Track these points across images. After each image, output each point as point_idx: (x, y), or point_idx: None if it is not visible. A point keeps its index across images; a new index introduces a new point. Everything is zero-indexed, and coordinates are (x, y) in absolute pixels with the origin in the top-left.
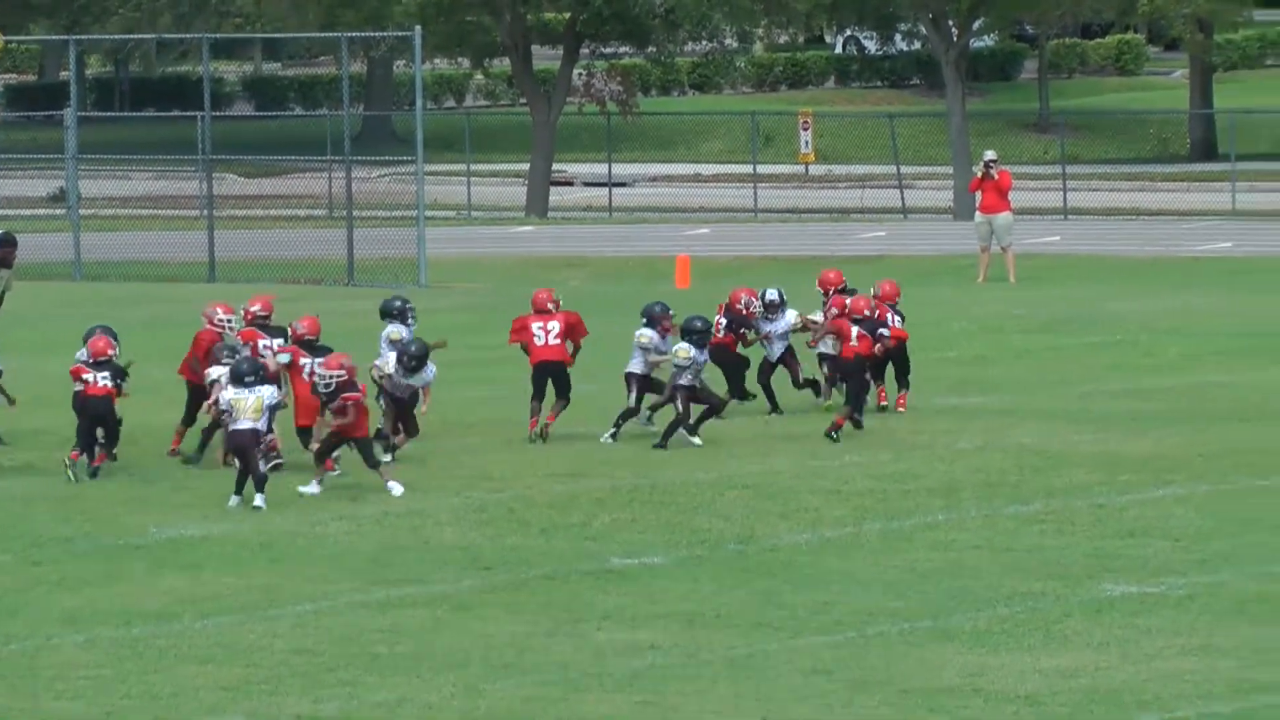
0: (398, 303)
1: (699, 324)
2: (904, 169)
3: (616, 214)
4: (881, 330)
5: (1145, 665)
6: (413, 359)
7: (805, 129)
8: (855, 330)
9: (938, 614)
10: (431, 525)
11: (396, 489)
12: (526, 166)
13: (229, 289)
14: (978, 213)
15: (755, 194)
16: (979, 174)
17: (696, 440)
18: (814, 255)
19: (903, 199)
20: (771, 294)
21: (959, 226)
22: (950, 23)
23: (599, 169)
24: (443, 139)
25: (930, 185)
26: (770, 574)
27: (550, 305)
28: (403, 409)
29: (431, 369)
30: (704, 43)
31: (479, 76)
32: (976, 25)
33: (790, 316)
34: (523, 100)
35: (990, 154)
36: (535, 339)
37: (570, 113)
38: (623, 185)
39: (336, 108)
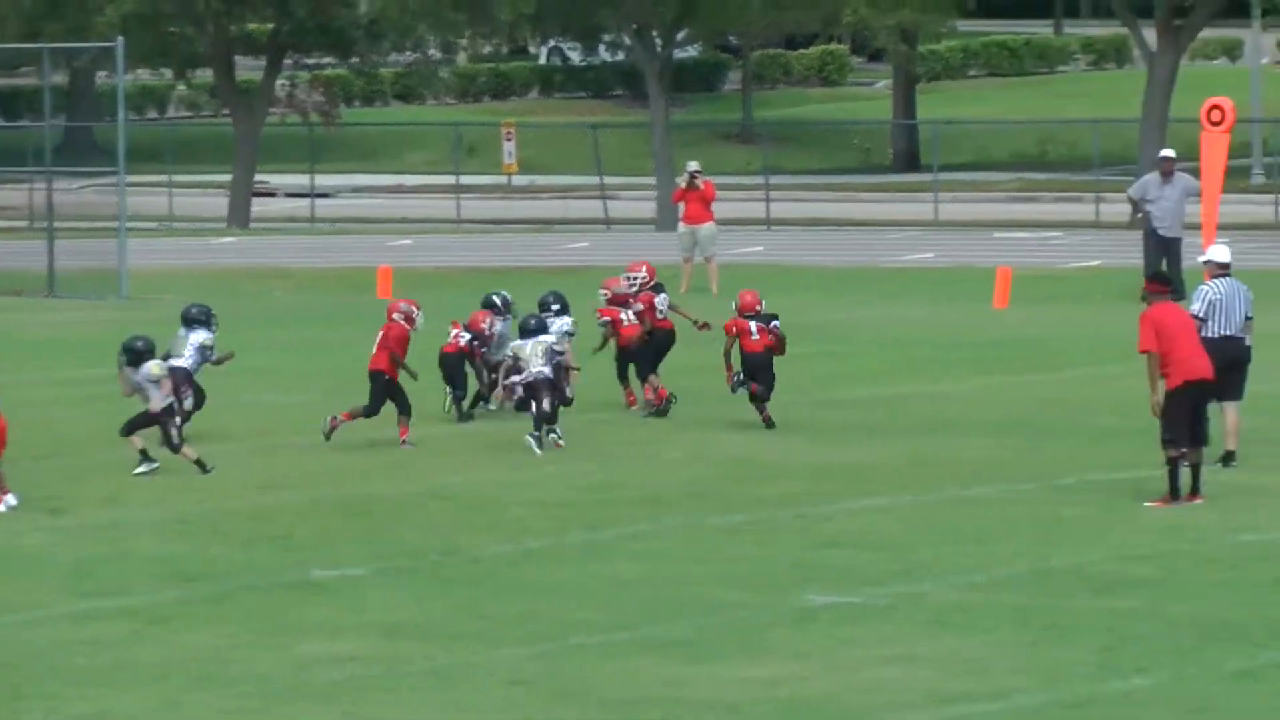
0: (195, 309)
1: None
2: (607, 180)
3: (319, 225)
4: (775, 323)
5: (847, 675)
6: (125, 350)
7: (509, 140)
8: (754, 325)
9: (639, 624)
10: (132, 537)
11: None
12: (229, 178)
13: None
14: (681, 223)
15: (458, 205)
16: (682, 184)
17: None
18: (517, 266)
19: (606, 210)
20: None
21: (662, 237)
22: (654, 34)
23: (302, 180)
24: (145, 150)
25: (634, 196)
26: (472, 585)
27: (395, 315)
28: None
29: (143, 371)
30: (407, 53)
31: (182, 88)
32: (680, 36)
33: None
34: (225, 111)
35: (693, 164)
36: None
37: (273, 124)
38: (325, 196)
39: (38, 119)
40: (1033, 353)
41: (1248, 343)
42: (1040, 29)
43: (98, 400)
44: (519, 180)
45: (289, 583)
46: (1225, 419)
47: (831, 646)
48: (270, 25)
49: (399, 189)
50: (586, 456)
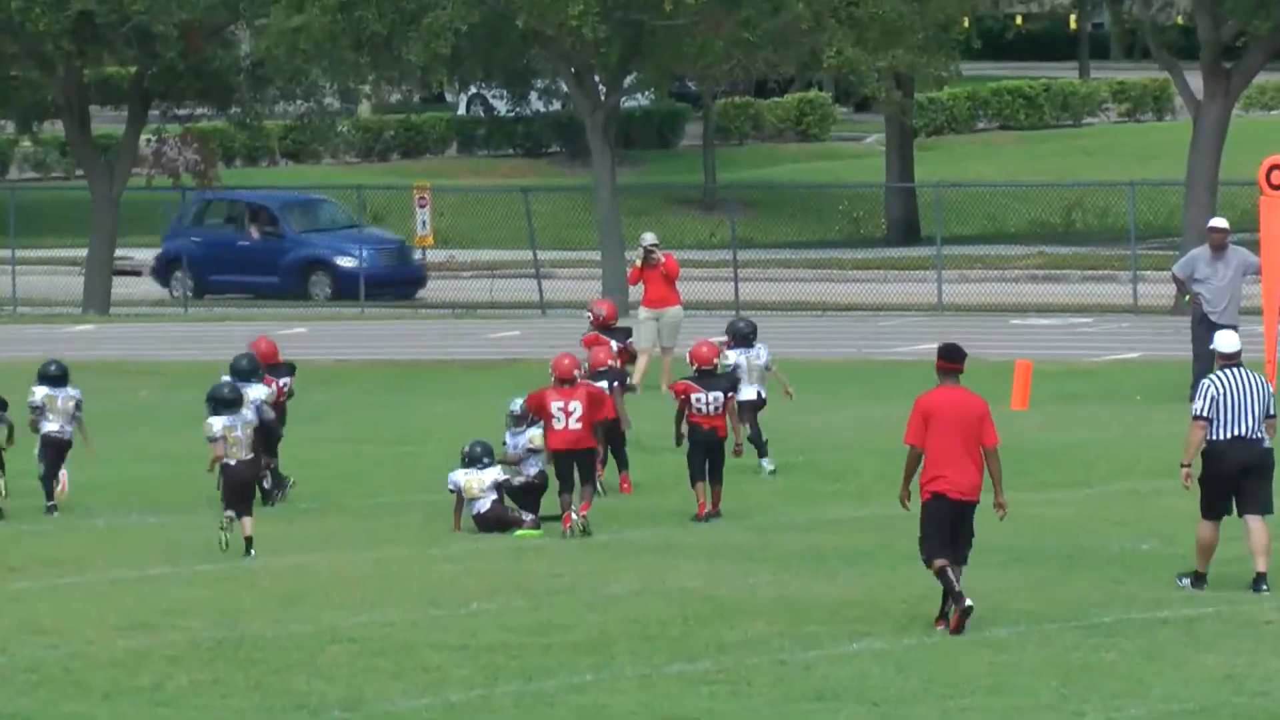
0: (245, 360)
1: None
2: (542, 254)
3: (194, 310)
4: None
5: None
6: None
7: (422, 206)
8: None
9: None
10: None
11: None
12: (84, 252)
13: None
14: (642, 308)
15: (361, 285)
16: (639, 262)
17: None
18: (432, 359)
19: (540, 290)
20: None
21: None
22: (597, 79)
23: None
24: None
25: (574, 274)
26: None
27: (576, 373)
28: None
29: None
30: (299, 103)
31: (26, 143)
32: (628, 82)
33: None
34: (79, 172)
35: (649, 237)
36: (554, 421)
37: (137, 187)
38: None
39: None
40: (1058, 463)
41: (1268, 444)
42: (1063, 73)
43: None
44: (435, 255)
45: None
46: (1250, 536)
47: None
48: (133, 69)
49: None
50: (516, 590)
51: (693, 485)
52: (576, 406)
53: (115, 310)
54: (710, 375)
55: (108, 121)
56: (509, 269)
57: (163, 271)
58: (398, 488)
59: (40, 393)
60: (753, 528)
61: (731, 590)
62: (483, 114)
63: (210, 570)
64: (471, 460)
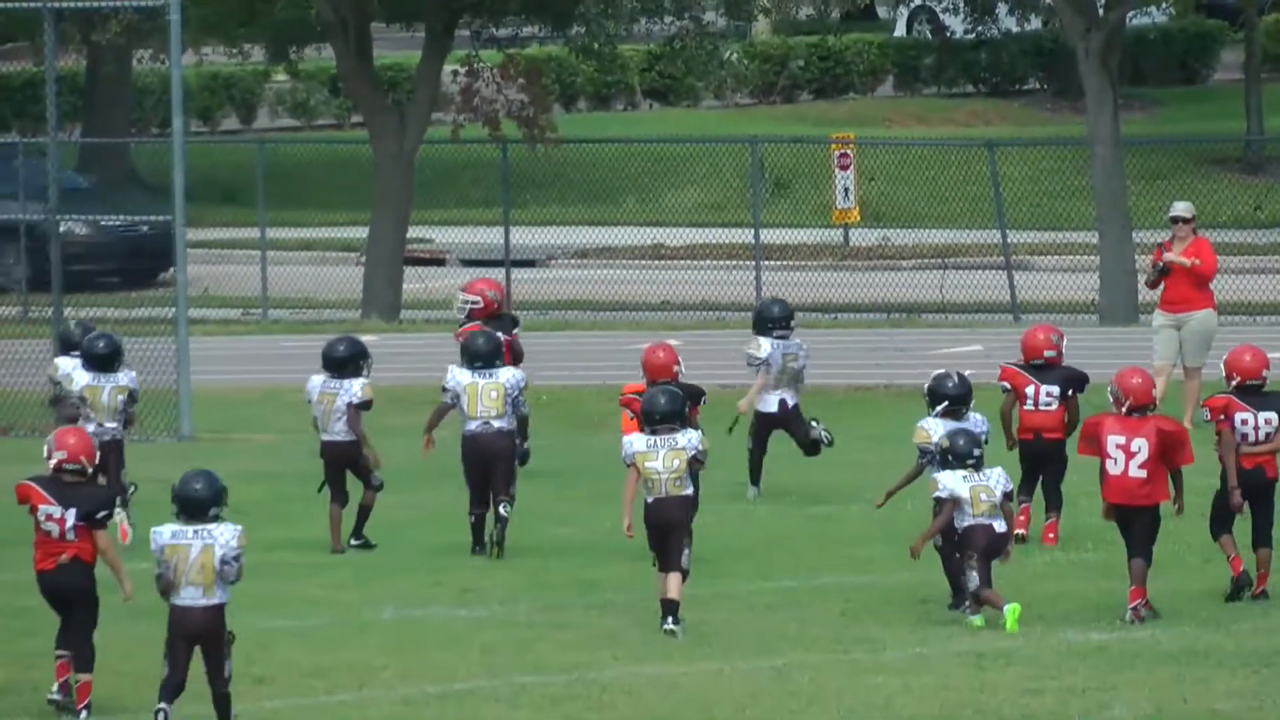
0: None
1: None
2: (1014, 236)
3: (520, 312)
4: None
5: None
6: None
7: (844, 166)
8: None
9: None
10: None
11: None
12: (364, 232)
13: None
14: (1158, 312)
15: (758, 278)
16: (1162, 243)
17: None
18: (870, 383)
19: (1012, 288)
20: None
21: (1110, 334)
22: None
23: (489, 236)
24: (221, 184)
25: (1059, 263)
26: None
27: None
28: None
29: None
30: (668, 20)
31: (280, 78)
32: None
33: None
34: (357, 119)
35: (1181, 207)
36: (1110, 464)
37: (438, 140)
38: (529, 264)
39: (34, 130)
40: None
41: None
42: None
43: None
44: (862, 236)
45: None
46: None
47: None
48: None
49: (656, 251)
50: (975, 712)
51: (1215, 539)
52: (1142, 445)
53: (408, 313)
54: (1256, 392)
55: (397, 46)
56: (967, 255)
57: None
58: (809, 566)
59: (82, 379)
60: None
61: None
62: (930, 36)
63: (541, 684)
64: (960, 460)
